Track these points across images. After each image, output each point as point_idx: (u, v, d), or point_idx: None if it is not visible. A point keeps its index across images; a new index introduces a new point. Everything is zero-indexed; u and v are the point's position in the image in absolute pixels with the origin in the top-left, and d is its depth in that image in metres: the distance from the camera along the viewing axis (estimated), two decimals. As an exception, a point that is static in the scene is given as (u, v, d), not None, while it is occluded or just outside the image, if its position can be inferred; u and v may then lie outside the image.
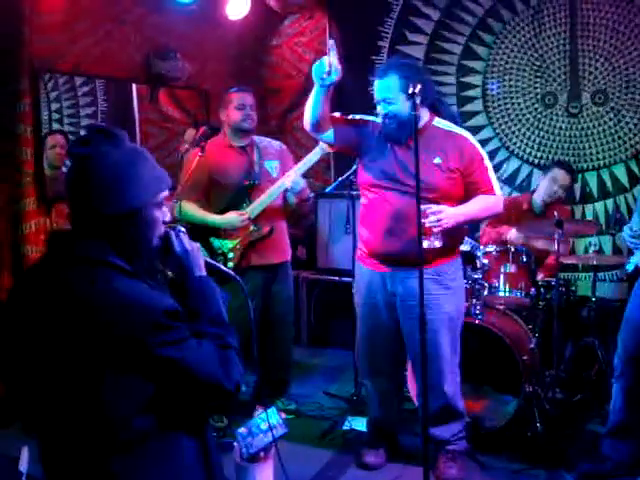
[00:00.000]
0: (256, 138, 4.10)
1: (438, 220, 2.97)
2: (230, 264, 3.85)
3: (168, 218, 1.84)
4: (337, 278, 5.36)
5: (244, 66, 6.16)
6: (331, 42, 2.91)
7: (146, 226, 1.73)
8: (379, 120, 3.18)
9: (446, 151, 3.13)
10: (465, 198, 3.18)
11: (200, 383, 1.68)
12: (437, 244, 3.02)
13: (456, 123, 3.25)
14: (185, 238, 1.89)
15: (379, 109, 3.13)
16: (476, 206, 3.17)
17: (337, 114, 3.27)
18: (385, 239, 3.20)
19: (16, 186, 4.18)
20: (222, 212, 3.91)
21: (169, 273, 1.90)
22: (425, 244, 2.96)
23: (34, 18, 4.21)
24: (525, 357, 3.63)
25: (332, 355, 5.30)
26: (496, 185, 3.20)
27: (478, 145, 3.20)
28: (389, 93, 3.06)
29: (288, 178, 3.89)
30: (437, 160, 3.12)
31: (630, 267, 3.35)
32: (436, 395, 3.23)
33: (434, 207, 3.00)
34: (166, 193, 1.80)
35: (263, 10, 5.76)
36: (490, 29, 5.14)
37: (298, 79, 6.08)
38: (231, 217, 3.88)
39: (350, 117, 3.31)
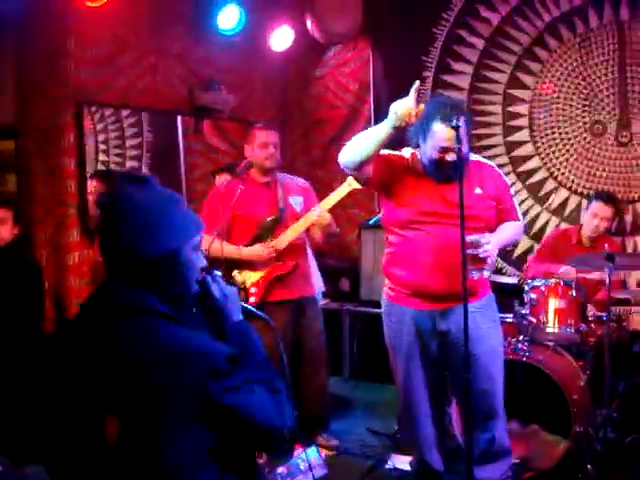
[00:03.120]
0: (279, 175, 4.06)
1: (486, 250, 2.88)
2: (252, 299, 3.81)
3: (204, 263, 1.80)
4: (380, 311, 5.25)
5: (288, 97, 6.19)
6: (417, 84, 2.73)
7: (184, 269, 1.70)
8: (408, 155, 3.12)
9: (483, 181, 3.13)
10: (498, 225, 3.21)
11: (258, 429, 1.64)
12: (486, 274, 2.93)
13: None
14: (223, 282, 1.86)
15: (447, 156, 2.94)
16: (508, 233, 3.18)
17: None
18: (433, 275, 3.06)
19: (60, 218, 4.24)
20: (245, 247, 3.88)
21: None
22: (476, 275, 2.87)
23: (78, 52, 4.28)
24: (575, 395, 3.49)
25: (375, 389, 5.17)
26: (519, 211, 3.30)
27: (502, 174, 3.29)
28: (462, 139, 2.79)
29: (314, 212, 3.84)
30: (478, 190, 3.10)
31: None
32: (484, 432, 3.12)
33: (487, 236, 2.91)
34: (200, 237, 1.77)
35: (307, 41, 5.76)
36: (536, 57, 5.05)
37: (342, 110, 6.07)
38: (257, 248, 3.84)
39: (385, 154, 3.09)
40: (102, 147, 5.00)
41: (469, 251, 2.81)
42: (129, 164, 5.09)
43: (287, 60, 5.89)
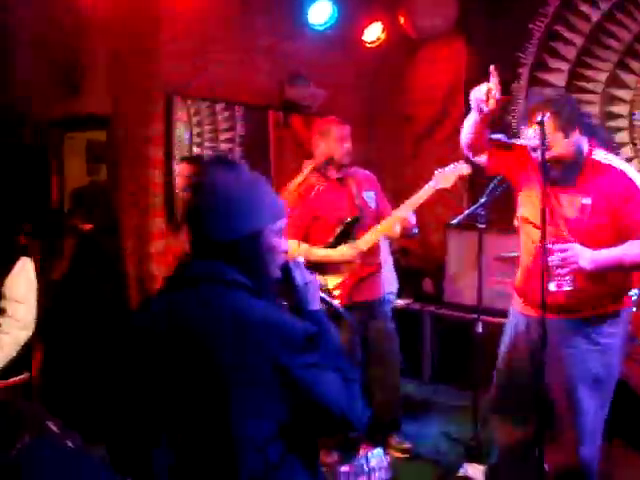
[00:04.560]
0: (349, 169, 3.96)
1: (563, 259, 2.64)
2: (336, 301, 3.72)
3: (287, 248, 1.82)
4: (463, 314, 5.13)
5: (377, 93, 6.11)
6: (492, 68, 2.67)
7: (266, 252, 1.73)
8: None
9: (599, 189, 2.76)
10: (619, 243, 2.76)
11: (328, 412, 1.64)
12: (566, 287, 2.74)
13: (607, 148, 2.94)
14: (305, 270, 1.87)
15: (538, 156, 2.72)
16: (628, 251, 2.72)
17: (498, 136, 3.06)
18: (531, 281, 2.91)
19: (146, 207, 4.32)
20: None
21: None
22: (552, 286, 2.70)
23: (169, 44, 4.36)
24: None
25: (454, 394, 5.03)
26: None
27: (638, 182, 2.75)
28: (545, 137, 2.64)
29: (399, 215, 3.75)
30: (586, 200, 2.77)
31: None
32: (567, 456, 2.93)
33: (563, 245, 2.67)
34: (284, 222, 1.79)
35: (399, 37, 5.68)
36: (639, 55, 4.77)
37: (433, 107, 5.94)
38: (347, 250, 3.77)
39: (510, 142, 3.03)
40: (197, 140, 5.09)
41: (549, 259, 2.64)
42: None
43: (378, 56, 5.81)
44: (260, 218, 1.71)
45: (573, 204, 2.80)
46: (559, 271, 2.69)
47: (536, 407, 2.81)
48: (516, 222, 3.15)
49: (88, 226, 3.85)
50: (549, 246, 2.66)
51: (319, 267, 3.79)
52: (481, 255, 4.08)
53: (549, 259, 2.64)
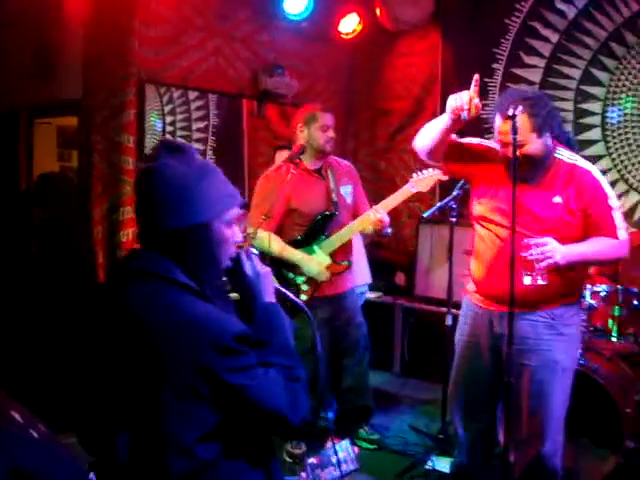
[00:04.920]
0: (328, 159, 3.94)
1: (542, 253, 2.67)
2: (303, 297, 3.70)
3: (240, 239, 1.77)
4: (434, 308, 5.14)
5: (353, 86, 6.10)
6: (476, 77, 2.62)
7: (213, 244, 1.67)
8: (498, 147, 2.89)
9: (569, 189, 2.81)
10: (584, 240, 2.85)
11: (264, 414, 1.60)
12: (540, 281, 2.75)
13: (572, 148, 2.95)
14: (257, 261, 1.82)
15: (507, 152, 2.75)
16: (594, 247, 2.83)
17: (473, 139, 3.02)
18: (495, 277, 2.94)
19: (117, 195, 4.26)
20: (297, 242, 3.78)
21: (236, 296, 1.84)
22: (527, 280, 2.70)
23: (143, 31, 4.30)
24: (629, 409, 3.32)
25: (424, 388, 5.07)
26: (621, 229, 2.83)
27: (603, 182, 2.84)
28: (519, 135, 2.65)
29: (371, 216, 3.71)
30: (557, 199, 2.82)
31: None
32: (531, 450, 2.94)
33: (539, 240, 2.71)
34: (237, 211, 1.73)
35: (375, 29, 5.67)
36: (612, 53, 4.79)
37: (408, 100, 5.93)
38: (313, 267, 3.73)
39: (467, 141, 3.03)
40: (169, 128, 5.04)
41: (522, 254, 2.68)
42: (194, 146, 5.11)
43: (354, 48, 5.81)
44: (208, 208, 1.65)
45: (541, 202, 2.82)
46: (537, 265, 2.69)
47: (504, 401, 2.84)
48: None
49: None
50: (526, 241, 2.70)
51: (287, 264, 3.77)
52: (452, 249, 4.10)
53: (527, 253, 2.67)
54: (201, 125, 5.28)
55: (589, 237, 2.83)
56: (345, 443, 2.96)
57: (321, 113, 3.81)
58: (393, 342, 5.45)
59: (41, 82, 4.66)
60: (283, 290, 1.90)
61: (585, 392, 3.43)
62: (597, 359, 3.59)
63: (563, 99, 5.01)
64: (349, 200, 3.91)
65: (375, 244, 5.78)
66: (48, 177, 4.14)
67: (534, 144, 2.74)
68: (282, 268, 3.74)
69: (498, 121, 2.80)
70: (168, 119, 5.03)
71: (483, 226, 3.03)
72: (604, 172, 4.86)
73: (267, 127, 5.59)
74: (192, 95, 5.15)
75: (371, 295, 5.41)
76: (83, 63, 4.31)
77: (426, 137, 2.93)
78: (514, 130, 2.55)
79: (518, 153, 2.68)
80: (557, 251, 2.68)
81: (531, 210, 2.82)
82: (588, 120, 4.96)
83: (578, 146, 4.76)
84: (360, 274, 4.61)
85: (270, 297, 1.80)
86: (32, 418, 2.68)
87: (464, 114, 2.65)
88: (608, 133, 4.89)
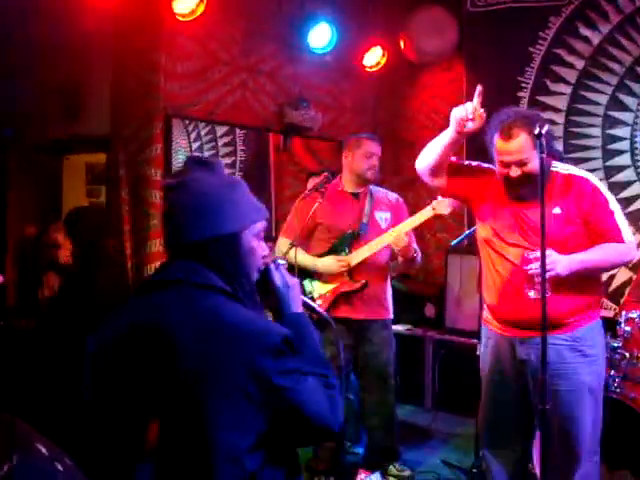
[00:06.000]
0: (373, 188, 3.97)
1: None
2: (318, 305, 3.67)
3: (266, 252, 1.78)
4: (465, 339, 5.05)
5: (379, 117, 6.11)
6: (479, 88, 2.67)
7: (243, 254, 1.68)
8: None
9: (568, 199, 2.81)
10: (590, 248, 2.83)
11: (309, 420, 1.58)
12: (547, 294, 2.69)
13: (560, 160, 2.95)
14: (285, 271, 1.83)
15: (511, 172, 2.79)
16: (597, 254, 2.80)
17: (453, 158, 3.03)
18: (508, 300, 2.91)
19: (145, 228, 4.28)
20: (320, 256, 3.80)
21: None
22: (531, 294, 2.69)
23: (169, 66, 4.36)
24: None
25: (455, 421, 4.94)
26: (626, 231, 2.81)
27: (601, 187, 2.85)
28: (522, 154, 2.73)
29: (391, 233, 3.70)
30: (556, 210, 2.81)
31: None
32: (568, 475, 2.86)
33: (538, 253, 2.64)
34: (264, 224, 1.75)
35: (399, 61, 5.68)
36: (639, 77, 4.76)
37: (433, 131, 5.88)
38: (330, 261, 3.75)
39: (467, 164, 3.09)
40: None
41: (524, 267, 2.69)
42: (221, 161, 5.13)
43: (379, 80, 5.82)
44: (238, 219, 1.67)
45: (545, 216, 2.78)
46: (537, 279, 2.67)
47: (541, 429, 2.75)
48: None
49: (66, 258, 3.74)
50: (526, 255, 2.71)
51: (309, 274, 3.79)
52: (481, 278, 4.02)
53: (528, 267, 2.68)
54: (228, 161, 5.31)
55: (595, 245, 2.80)
56: (376, 476, 2.88)
57: (366, 140, 3.88)
58: (424, 375, 5.35)
59: (69, 119, 4.73)
60: (308, 301, 1.93)
61: (624, 422, 3.32)
62: (635, 388, 3.48)
63: (591, 125, 4.97)
64: (384, 225, 3.88)
65: (404, 276, 5.73)
66: (80, 210, 4.16)
67: (535, 160, 2.71)
68: (302, 278, 3.74)
69: (498, 141, 2.80)
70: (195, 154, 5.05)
71: (492, 248, 2.99)
72: (635, 197, 4.80)
73: (293, 161, 5.61)
74: (220, 131, 5.19)
75: (401, 328, 5.34)
76: (110, 99, 4.37)
77: (429, 155, 2.97)
78: (541, 149, 2.51)
79: (520, 172, 2.74)
80: (557, 262, 2.67)
81: (535, 226, 2.77)
82: (617, 146, 4.90)
83: (603, 172, 4.82)
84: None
85: (298, 307, 1.81)
86: (57, 451, 2.66)
87: (469, 124, 2.69)
88: (638, 158, 4.82)
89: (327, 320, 1.92)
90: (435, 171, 2.99)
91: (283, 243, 3.80)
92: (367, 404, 3.94)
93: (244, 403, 1.51)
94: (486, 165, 3.04)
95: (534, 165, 2.72)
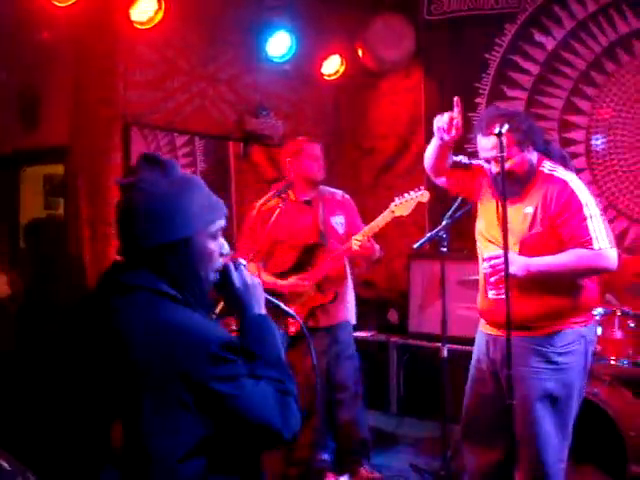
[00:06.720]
0: (321, 189, 3.98)
1: (492, 267, 2.71)
2: (292, 328, 3.68)
3: (226, 250, 1.74)
4: (429, 344, 5.07)
5: (338, 125, 6.13)
6: (456, 99, 2.78)
7: (197, 257, 1.65)
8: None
9: (540, 198, 2.80)
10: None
11: (254, 426, 1.54)
12: (502, 296, 2.71)
13: (565, 165, 2.95)
14: (246, 272, 1.79)
15: (492, 167, 2.87)
16: (560, 259, 2.75)
17: (459, 157, 3.14)
18: (484, 297, 2.98)
19: (105, 238, 4.22)
20: (284, 274, 3.78)
21: (219, 309, 1.81)
22: (490, 294, 2.78)
23: (128, 74, 4.32)
24: (632, 433, 3.25)
25: (421, 426, 4.94)
26: (601, 238, 2.70)
27: (581, 191, 2.78)
28: (501, 150, 2.67)
29: (356, 243, 3.70)
30: (528, 209, 2.82)
31: None
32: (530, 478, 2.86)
33: (492, 253, 2.77)
34: (222, 223, 1.71)
35: (358, 69, 5.72)
36: (593, 82, 4.88)
37: (393, 139, 5.97)
38: (293, 282, 3.76)
39: (468, 163, 3.18)
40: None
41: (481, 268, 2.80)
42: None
43: (338, 88, 5.85)
44: (190, 222, 1.63)
45: (517, 215, 2.84)
46: (491, 279, 2.77)
47: (508, 429, 2.75)
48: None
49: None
50: (486, 255, 2.80)
51: (275, 294, 3.75)
52: (444, 279, 4.04)
53: (483, 267, 2.77)
54: (189, 171, 5.26)
55: (565, 249, 2.76)
56: (344, 478, 2.87)
57: (309, 144, 3.89)
58: (389, 380, 5.35)
59: (27, 129, 4.66)
60: (274, 300, 1.89)
61: (586, 418, 3.36)
62: (597, 384, 3.54)
63: (547, 129, 5.04)
64: (341, 230, 3.90)
65: (366, 283, 5.74)
66: (37, 223, 4.10)
67: (516, 159, 2.79)
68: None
69: (480, 139, 2.87)
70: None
71: (480, 244, 3.07)
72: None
73: (254, 170, 5.58)
74: (179, 141, 5.14)
75: (365, 334, 5.34)
76: (69, 108, 4.32)
77: (427, 157, 3.12)
78: (501, 148, 2.56)
79: (499, 169, 2.73)
80: (513, 263, 2.67)
81: (511, 226, 2.77)
82: (573, 149, 4.99)
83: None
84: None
85: (260, 308, 1.76)
86: (20, 466, 2.60)
87: (445, 135, 2.81)
88: (593, 161, 4.93)
89: (293, 316, 1.92)
90: (435, 172, 3.15)
91: (252, 269, 3.66)
92: (338, 400, 3.95)
93: (179, 411, 1.49)
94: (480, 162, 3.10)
95: (514, 163, 2.79)
